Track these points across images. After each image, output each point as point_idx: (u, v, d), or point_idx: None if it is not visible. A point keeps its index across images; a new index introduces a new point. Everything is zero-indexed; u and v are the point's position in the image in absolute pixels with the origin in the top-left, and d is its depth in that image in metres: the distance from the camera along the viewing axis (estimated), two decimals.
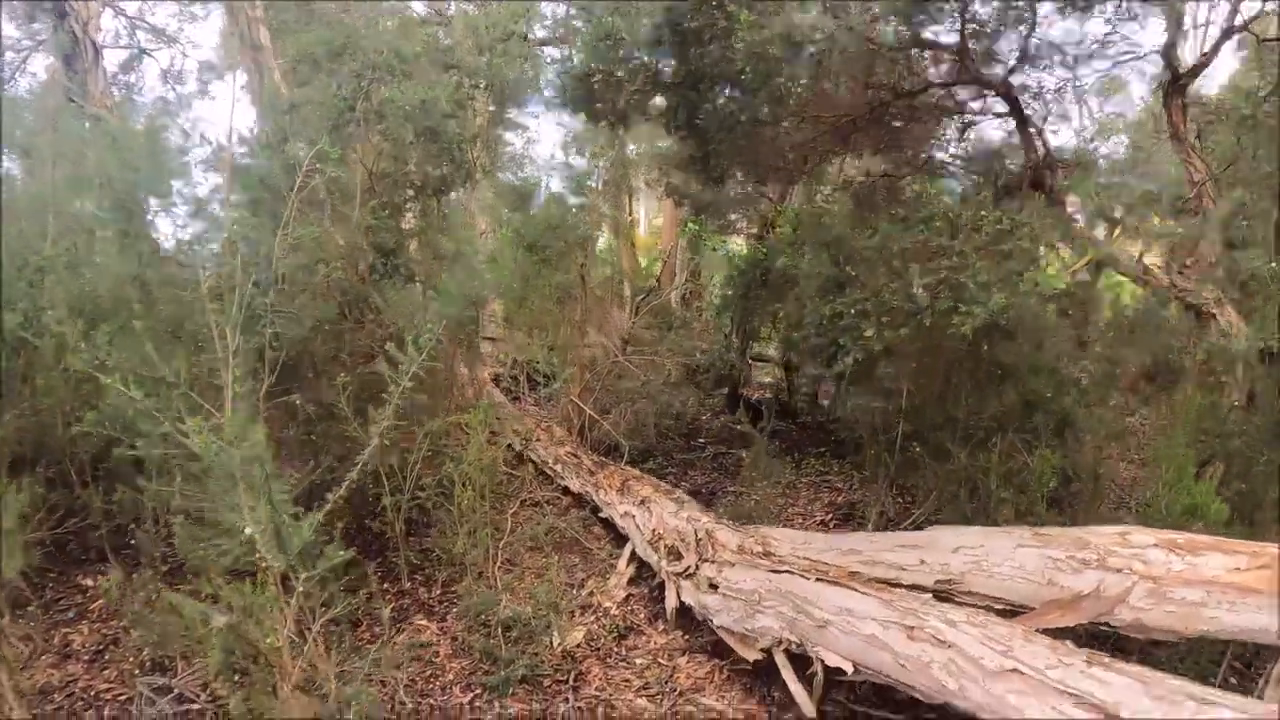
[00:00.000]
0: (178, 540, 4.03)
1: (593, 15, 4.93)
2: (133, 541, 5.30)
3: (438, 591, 5.27)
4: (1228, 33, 4.59)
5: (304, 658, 3.68)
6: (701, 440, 8.20)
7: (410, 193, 5.62)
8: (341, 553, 3.66)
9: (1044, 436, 4.46)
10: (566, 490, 6.48)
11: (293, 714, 3.44)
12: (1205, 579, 2.94)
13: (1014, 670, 2.91)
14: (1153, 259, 4.80)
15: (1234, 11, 4.53)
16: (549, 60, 7.67)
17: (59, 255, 5.12)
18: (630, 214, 9.65)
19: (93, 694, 4.33)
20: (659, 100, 5.59)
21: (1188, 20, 4.93)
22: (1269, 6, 4.84)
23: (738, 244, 9.13)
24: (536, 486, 6.54)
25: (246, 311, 4.38)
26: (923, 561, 3.84)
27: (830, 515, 6.29)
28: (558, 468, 6.62)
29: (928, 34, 4.80)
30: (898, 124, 5.81)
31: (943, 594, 3.69)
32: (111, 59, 10.08)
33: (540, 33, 8.28)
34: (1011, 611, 3.46)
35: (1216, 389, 4.27)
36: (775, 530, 4.88)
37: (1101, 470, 4.73)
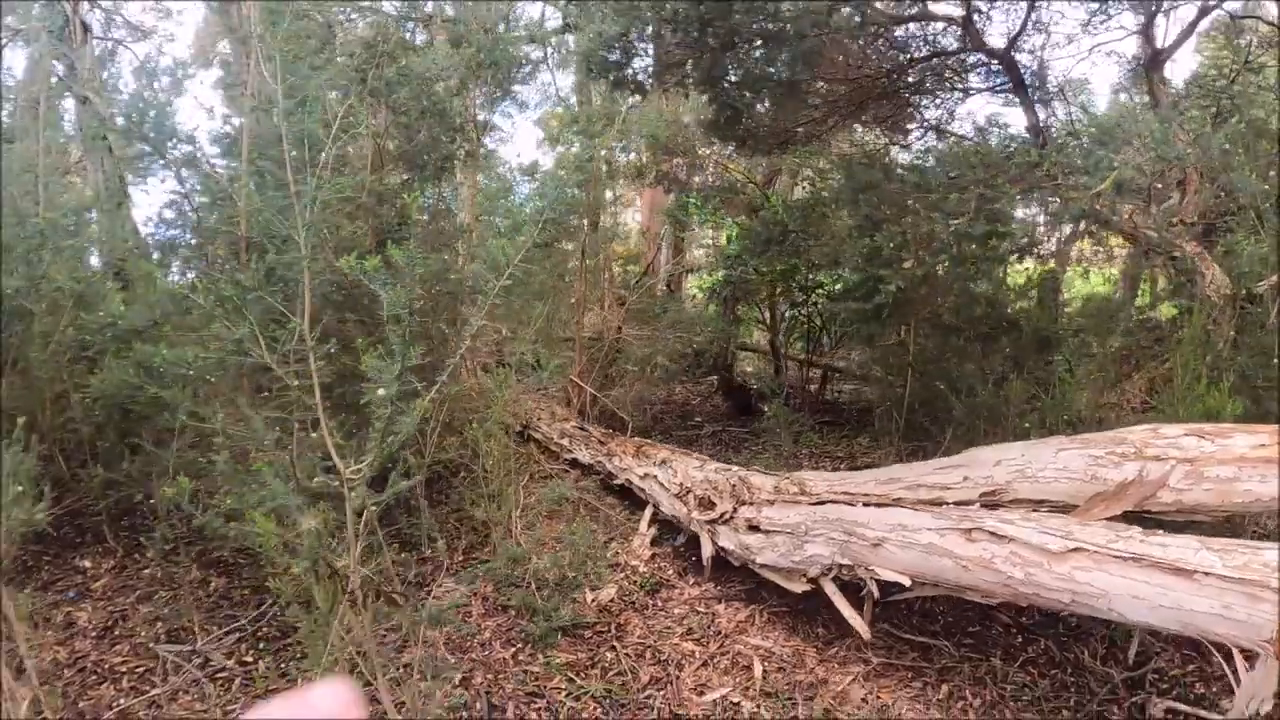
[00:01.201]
0: (220, 476, 4.21)
1: None
2: (136, 520, 5.43)
3: (460, 558, 5.52)
4: (1205, 10, 5.36)
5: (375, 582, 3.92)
6: (698, 419, 8.67)
7: (416, 170, 5.95)
8: (405, 481, 3.94)
9: (1057, 373, 5.07)
10: (574, 463, 6.81)
11: (362, 623, 3.64)
12: (1236, 456, 3.46)
13: (1077, 549, 3.36)
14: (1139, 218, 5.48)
15: None
16: (527, 60, 8.11)
17: (60, 219, 5.27)
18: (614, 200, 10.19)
19: (106, 668, 4.41)
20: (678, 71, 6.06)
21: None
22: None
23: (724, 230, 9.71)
24: (544, 461, 6.86)
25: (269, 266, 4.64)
26: (966, 478, 4.30)
27: None
28: (564, 442, 6.95)
29: (938, 7, 5.47)
30: (907, 93, 6.47)
31: (989, 504, 4.14)
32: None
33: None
34: (1057, 512, 3.94)
35: (1207, 325, 4.91)
36: (808, 473, 5.32)
37: (1102, 418, 5.36)
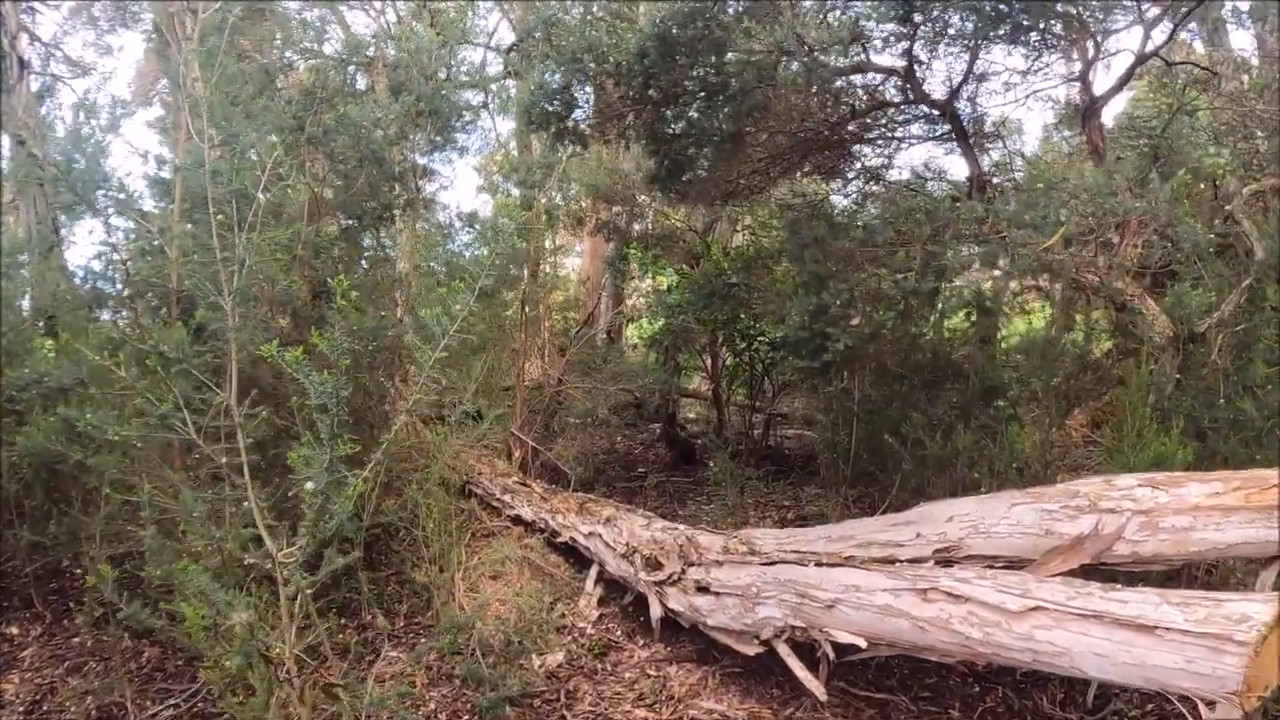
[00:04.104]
0: (148, 552, 3.99)
1: (571, 29, 5.33)
2: (64, 583, 5.18)
3: (401, 623, 5.31)
4: (1141, 58, 5.49)
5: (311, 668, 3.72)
6: (642, 469, 8.58)
7: (353, 220, 5.81)
8: (341, 558, 3.76)
9: (1003, 421, 5.09)
10: (517, 519, 6.62)
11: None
12: (1190, 506, 3.45)
13: (1036, 608, 3.31)
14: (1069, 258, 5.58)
15: (1146, 38, 5.44)
16: (468, 107, 8.04)
17: None
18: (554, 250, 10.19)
19: None
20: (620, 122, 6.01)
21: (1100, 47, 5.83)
22: (1192, 42, 5.87)
23: (663, 278, 9.69)
24: (485, 518, 6.67)
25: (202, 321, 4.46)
26: (918, 535, 4.23)
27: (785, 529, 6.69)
28: (506, 498, 6.77)
29: (880, 59, 5.53)
30: (850, 144, 6.54)
31: (943, 561, 4.08)
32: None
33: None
34: (1012, 567, 3.89)
35: (1150, 367, 4.98)
36: (756, 530, 5.24)
37: (1050, 459, 5.39)
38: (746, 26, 4.46)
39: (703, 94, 5.28)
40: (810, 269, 5.27)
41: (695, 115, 5.51)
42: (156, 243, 5.15)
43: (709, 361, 9.05)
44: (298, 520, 3.52)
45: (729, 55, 4.88)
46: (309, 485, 3.02)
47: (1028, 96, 6.46)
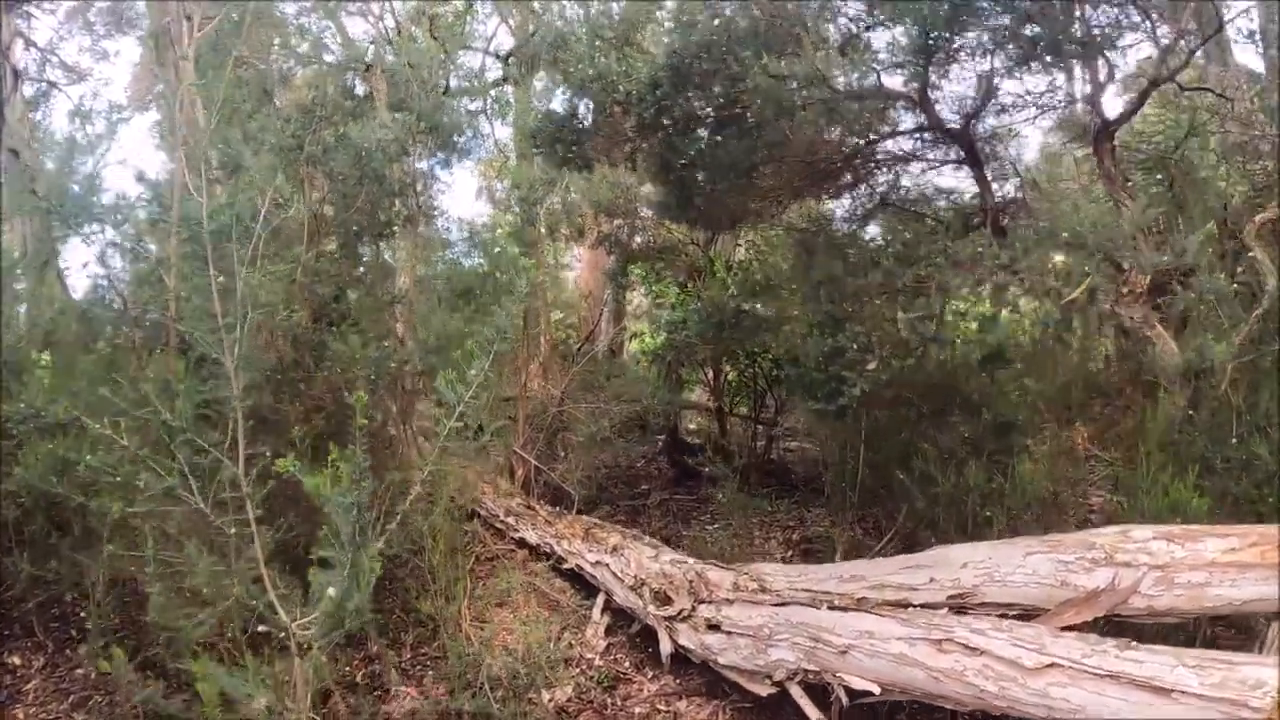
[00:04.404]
0: (152, 609, 3.97)
1: (583, 55, 5.27)
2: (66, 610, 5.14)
3: (408, 654, 5.28)
4: (1154, 82, 5.47)
5: None
6: (645, 487, 8.57)
7: (353, 238, 5.76)
8: (356, 618, 3.74)
9: (1015, 456, 5.10)
10: (521, 543, 6.60)
11: None
12: (1206, 561, 3.48)
13: (1052, 665, 3.34)
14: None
15: (1161, 62, 5.41)
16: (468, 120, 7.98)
17: None
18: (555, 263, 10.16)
19: None
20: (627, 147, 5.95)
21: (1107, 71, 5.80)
22: (1196, 58, 5.85)
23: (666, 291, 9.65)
24: (489, 541, 6.64)
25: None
26: (932, 579, 4.25)
27: (791, 552, 6.71)
28: (510, 520, 6.74)
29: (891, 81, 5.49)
30: (865, 169, 6.51)
31: (956, 608, 4.10)
32: None
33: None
34: (1026, 616, 3.91)
35: (1160, 402, 4.98)
36: (767, 566, 5.25)
37: (1060, 492, 5.40)
38: (765, 63, 4.41)
39: (716, 124, 5.24)
40: (826, 309, 5.25)
41: (707, 145, 5.46)
42: (153, 250, 5.10)
43: (711, 375, 9.03)
44: (307, 578, 3.51)
45: (746, 84, 4.81)
46: (331, 592, 3.00)
47: (1037, 116, 6.43)
